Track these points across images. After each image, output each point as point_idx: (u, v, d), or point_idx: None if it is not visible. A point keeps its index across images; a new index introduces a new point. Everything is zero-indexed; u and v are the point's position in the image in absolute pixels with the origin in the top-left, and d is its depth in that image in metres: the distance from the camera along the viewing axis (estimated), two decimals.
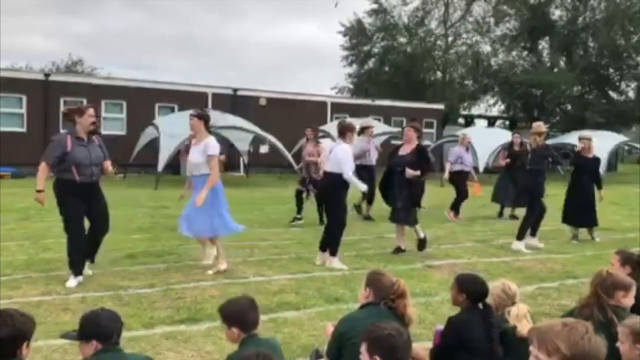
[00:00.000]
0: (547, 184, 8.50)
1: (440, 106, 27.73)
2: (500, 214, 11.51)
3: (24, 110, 18.91)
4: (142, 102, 20.29)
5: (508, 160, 11.28)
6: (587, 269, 6.55)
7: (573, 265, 7.25)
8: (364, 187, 7.21)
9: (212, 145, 6.16)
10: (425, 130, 19.65)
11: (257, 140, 19.40)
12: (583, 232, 9.11)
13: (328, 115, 23.97)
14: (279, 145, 17.88)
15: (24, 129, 18.73)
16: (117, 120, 20.31)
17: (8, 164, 16.89)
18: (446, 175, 11.39)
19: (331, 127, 16.82)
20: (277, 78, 69.42)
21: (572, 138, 10.05)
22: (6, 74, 19.58)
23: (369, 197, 10.64)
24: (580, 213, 8.89)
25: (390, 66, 32.96)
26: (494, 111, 35.04)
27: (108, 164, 5.93)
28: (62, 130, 7.74)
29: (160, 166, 15.69)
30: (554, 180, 8.80)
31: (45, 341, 4.08)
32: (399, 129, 18.92)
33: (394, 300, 3.23)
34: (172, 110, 20.72)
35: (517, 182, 10.82)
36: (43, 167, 5.61)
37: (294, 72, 71.66)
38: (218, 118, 14.96)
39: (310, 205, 9.77)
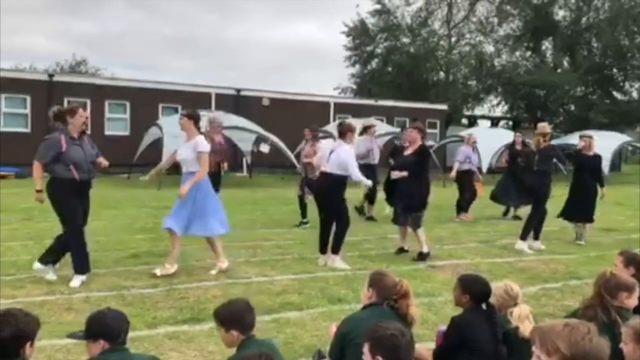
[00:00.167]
0: (553, 184, 8.48)
1: (444, 106, 27.71)
2: (505, 214, 11.49)
3: (28, 111, 18.95)
4: (146, 102, 20.32)
5: (507, 158, 11.33)
6: (590, 270, 6.53)
7: (576, 266, 7.23)
8: (368, 182, 7.29)
9: (202, 143, 6.19)
10: (428, 130, 19.64)
11: (259, 140, 19.41)
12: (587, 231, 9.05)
13: (331, 116, 23.97)
14: (282, 145, 17.88)
15: (28, 130, 18.77)
16: (120, 121, 20.35)
17: (12, 164, 16.93)
18: (453, 174, 11.31)
19: (334, 127, 16.78)
20: (278, 78, 69.53)
21: (575, 139, 10.02)
22: (10, 74, 19.65)
23: (371, 197, 10.66)
24: (577, 209, 8.85)
25: (393, 66, 32.93)
26: (497, 112, 35.02)
27: (102, 159, 5.99)
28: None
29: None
30: (557, 181, 8.76)
31: (49, 341, 4.10)
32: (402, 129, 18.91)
33: (396, 301, 3.23)
34: (176, 110, 20.71)
35: (519, 182, 10.83)
36: (38, 166, 5.62)
37: (294, 72, 71.73)
38: (222, 118, 14.93)
39: (313, 207, 9.75)
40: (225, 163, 9.73)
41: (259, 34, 74.37)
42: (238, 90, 22.72)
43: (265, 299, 5.40)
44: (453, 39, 33.66)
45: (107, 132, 19.96)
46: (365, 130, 10.83)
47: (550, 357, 1.96)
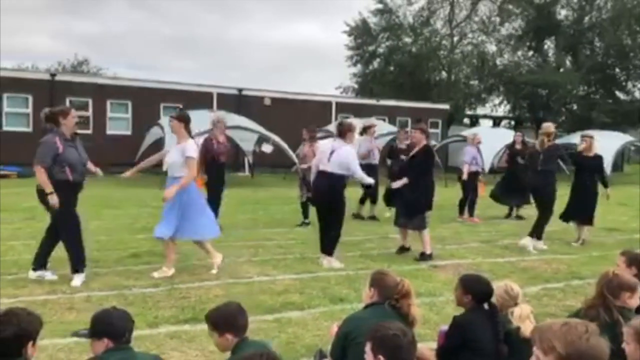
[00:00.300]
0: (557, 184, 8.47)
1: (446, 106, 27.67)
2: (509, 215, 11.47)
3: (30, 110, 18.96)
4: (148, 102, 20.33)
5: (507, 158, 11.33)
6: (592, 270, 6.52)
7: (578, 266, 7.22)
8: (371, 180, 7.36)
9: (191, 148, 6.11)
10: (430, 130, 19.60)
11: (261, 140, 19.40)
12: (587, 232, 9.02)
13: (333, 115, 23.95)
14: (284, 145, 17.88)
15: (29, 129, 18.78)
16: (122, 120, 20.37)
17: (14, 164, 16.96)
18: (465, 176, 11.21)
19: (335, 127, 16.79)
20: (279, 78, 69.45)
21: (578, 138, 10.02)
22: (12, 73, 19.67)
23: (373, 197, 10.68)
24: (576, 209, 8.78)
25: (395, 66, 32.88)
26: (499, 111, 34.95)
27: (92, 165, 6.00)
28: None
29: (165, 166, 15.69)
30: (560, 180, 8.74)
31: (50, 340, 4.10)
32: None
33: (398, 300, 3.23)
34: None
35: (519, 181, 10.85)
36: (42, 171, 5.56)
37: (296, 72, 71.68)
38: (225, 118, 14.94)
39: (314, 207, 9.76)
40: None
41: (261, 33, 74.50)
42: (240, 90, 22.72)
43: (267, 299, 5.40)
44: (455, 39, 33.59)
45: (108, 132, 19.98)
46: (365, 130, 10.89)
47: (547, 356, 1.95)
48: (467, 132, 18.06)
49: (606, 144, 15.48)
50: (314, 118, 18.69)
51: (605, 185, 8.93)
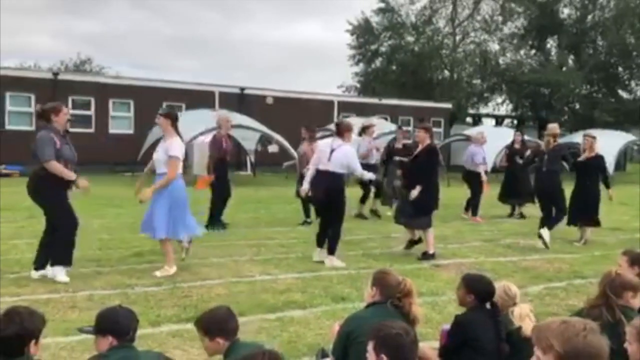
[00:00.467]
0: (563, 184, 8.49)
1: (448, 105, 27.64)
2: (511, 214, 11.46)
3: (32, 109, 18.98)
4: (150, 101, 20.32)
5: (506, 158, 11.37)
6: (595, 269, 6.51)
7: (581, 265, 7.21)
8: (372, 175, 7.47)
9: (175, 147, 6.04)
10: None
11: (263, 139, 19.40)
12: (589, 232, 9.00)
13: (335, 114, 23.93)
14: (286, 144, 17.88)
15: (32, 128, 18.79)
16: (124, 119, 20.38)
17: (17, 163, 16.98)
18: (485, 177, 11.19)
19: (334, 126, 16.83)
20: (282, 77, 69.63)
21: (580, 137, 9.99)
22: (15, 72, 19.71)
23: (376, 192, 10.79)
24: (580, 211, 8.73)
25: (398, 65, 32.86)
26: (502, 110, 34.91)
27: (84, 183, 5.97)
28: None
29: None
30: (563, 179, 8.73)
31: (53, 338, 4.11)
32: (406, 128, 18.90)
33: (400, 299, 3.23)
34: (180, 109, 20.74)
35: (518, 180, 10.87)
36: (55, 164, 5.56)
37: (299, 71, 71.73)
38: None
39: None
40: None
41: (263, 33, 74.43)
42: (242, 89, 22.72)
43: (269, 298, 5.40)
44: (457, 38, 33.54)
45: (111, 131, 19.99)
46: (364, 130, 10.96)
47: (545, 354, 1.94)
48: (472, 131, 18.03)
49: (608, 143, 15.45)
50: (316, 117, 18.68)
51: (608, 186, 8.88)
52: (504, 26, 33.12)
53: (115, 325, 2.76)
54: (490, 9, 33.05)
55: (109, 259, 6.70)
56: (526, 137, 13.44)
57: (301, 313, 5.03)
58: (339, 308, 5.11)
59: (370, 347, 2.47)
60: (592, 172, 8.77)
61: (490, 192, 11.49)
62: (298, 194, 9.72)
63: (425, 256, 7.28)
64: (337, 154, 6.82)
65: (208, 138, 11.31)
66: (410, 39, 32.78)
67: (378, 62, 33.91)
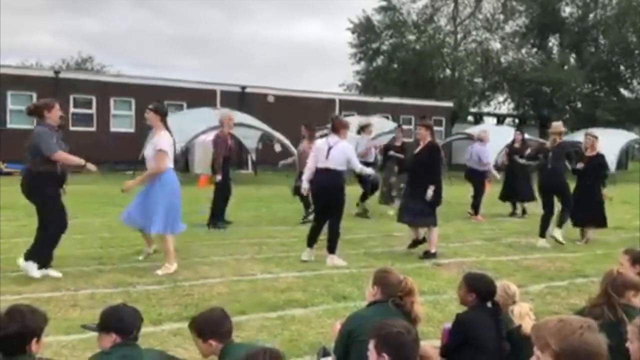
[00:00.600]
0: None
1: (449, 104, 27.63)
2: (512, 213, 11.44)
3: None
4: (151, 99, 20.06)
5: (506, 156, 11.40)
6: (596, 268, 6.50)
7: (582, 264, 7.20)
8: (371, 170, 7.59)
9: (163, 141, 6.06)
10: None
11: (264, 138, 19.39)
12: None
13: (336, 113, 23.92)
14: (287, 142, 17.89)
15: (33, 126, 18.82)
16: (125, 118, 20.39)
17: (18, 161, 16.97)
18: (498, 176, 11.29)
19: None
20: (283, 76, 69.66)
21: (582, 136, 9.97)
22: (16, 71, 19.73)
23: (372, 188, 10.84)
24: (584, 212, 8.66)
25: (399, 63, 32.83)
26: (503, 109, 34.87)
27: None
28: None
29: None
30: (568, 178, 8.72)
31: (54, 337, 4.11)
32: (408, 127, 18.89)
33: (401, 298, 3.23)
34: (181, 107, 20.76)
35: (517, 179, 10.85)
36: (61, 153, 5.60)
37: (300, 70, 71.75)
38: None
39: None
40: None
41: (264, 32, 74.51)
42: (243, 88, 22.72)
43: (270, 296, 5.40)
44: (459, 36, 33.51)
45: (112, 129, 20.01)
46: (363, 129, 10.99)
47: (543, 353, 1.93)
48: (475, 130, 18.01)
49: (610, 142, 15.42)
50: (317, 116, 18.62)
51: (603, 185, 8.87)
52: (505, 25, 33.08)
53: (120, 323, 2.77)
54: (492, 7, 33.04)
55: (110, 257, 6.70)
56: (527, 136, 13.43)
57: (302, 312, 5.03)
58: (340, 307, 5.11)
59: (371, 345, 2.47)
60: (592, 172, 8.74)
61: (491, 190, 11.49)
62: (295, 191, 9.76)
63: (427, 255, 7.28)
64: (334, 151, 6.83)
65: (210, 137, 11.33)
66: (411, 37, 32.75)
67: (379, 60, 33.89)
